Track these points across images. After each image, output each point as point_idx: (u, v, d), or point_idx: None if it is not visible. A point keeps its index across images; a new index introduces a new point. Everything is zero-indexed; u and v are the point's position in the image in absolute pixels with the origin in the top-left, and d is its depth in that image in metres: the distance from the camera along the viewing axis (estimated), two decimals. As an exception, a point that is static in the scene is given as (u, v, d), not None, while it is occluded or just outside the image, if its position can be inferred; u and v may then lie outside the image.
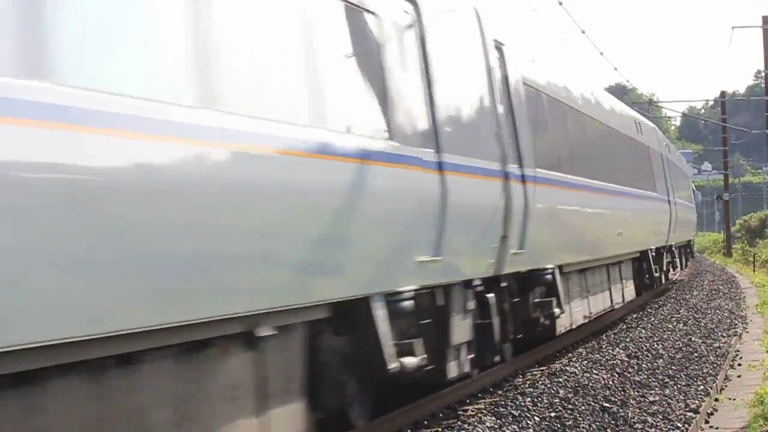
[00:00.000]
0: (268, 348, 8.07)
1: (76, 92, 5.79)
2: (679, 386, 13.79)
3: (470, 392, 13.49)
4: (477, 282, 12.32)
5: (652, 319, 22.37)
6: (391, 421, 11.12)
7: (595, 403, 12.24)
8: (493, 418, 11.27)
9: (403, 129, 9.89)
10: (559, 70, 18.18)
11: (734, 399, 13.38)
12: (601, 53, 39.14)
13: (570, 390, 12.86)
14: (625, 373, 14.38)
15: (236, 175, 7.08)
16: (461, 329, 11.93)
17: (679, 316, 22.94)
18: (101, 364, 6.33)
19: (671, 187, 31.34)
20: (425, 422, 11.76)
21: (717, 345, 18.15)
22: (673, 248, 32.77)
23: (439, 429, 11.36)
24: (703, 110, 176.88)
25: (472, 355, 12.55)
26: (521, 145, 13.75)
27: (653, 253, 28.10)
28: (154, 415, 6.80)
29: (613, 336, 19.78)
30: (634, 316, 24.77)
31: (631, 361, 15.50)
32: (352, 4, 9.22)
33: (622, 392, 13.04)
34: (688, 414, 11.92)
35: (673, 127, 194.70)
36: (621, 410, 11.90)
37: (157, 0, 6.71)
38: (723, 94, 69.58)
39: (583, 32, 32.18)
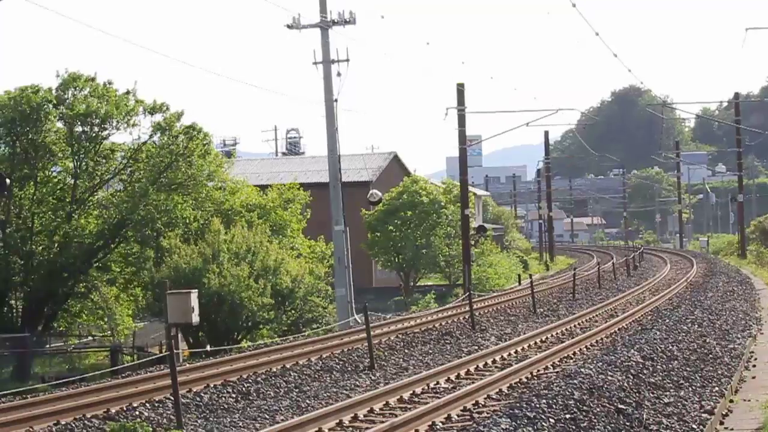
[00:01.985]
0: None
1: None
2: (693, 387, 13.81)
3: (485, 394, 13.53)
4: None
5: (667, 320, 22.37)
6: (407, 424, 11.18)
7: (610, 404, 12.26)
8: (508, 420, 11.31)
9: None
10: None
11: (749, 400, 13.41)
12: (615, 55, 39.06)
13: (585, 392, 12.88)
14: (640, 375, 14.40)
15: None
16: None
17: (693, 317, 22.92)
18: None
19: None
20: (440, 424, 11.80)
21: (731, 346, 18.15)
22: None
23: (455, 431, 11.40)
24: (717, 112, 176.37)
25: None
26: None
27: None
28: None
29: (628, 337, 19.78)
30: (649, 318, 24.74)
31: (646, 363, 15.51)
32: None
33: (637, 394, 13.06)
34: (703, 415, 11.95)
35: (687, 129, 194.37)
36: (636, 412, 11.93)
37: None
38: (737, 95, 69.45)
39: (597, 34, 32.19)
